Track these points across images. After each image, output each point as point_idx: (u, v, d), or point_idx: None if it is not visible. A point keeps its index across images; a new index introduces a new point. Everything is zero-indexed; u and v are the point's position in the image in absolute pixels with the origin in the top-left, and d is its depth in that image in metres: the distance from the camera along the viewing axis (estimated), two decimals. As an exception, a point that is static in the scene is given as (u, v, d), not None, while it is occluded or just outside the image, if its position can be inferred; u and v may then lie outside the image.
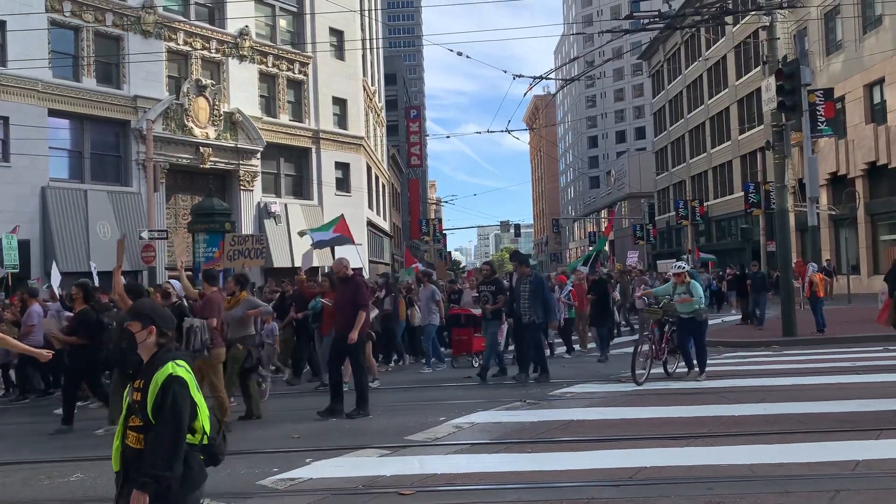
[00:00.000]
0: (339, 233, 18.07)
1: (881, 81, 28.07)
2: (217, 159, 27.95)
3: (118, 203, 24.67)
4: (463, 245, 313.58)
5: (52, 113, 23.42)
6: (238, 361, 9.00)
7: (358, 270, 10.02)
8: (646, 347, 10.57)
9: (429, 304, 14.15)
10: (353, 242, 18.73)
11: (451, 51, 19.99)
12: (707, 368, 10.68)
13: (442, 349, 15.00)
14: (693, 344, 10.74)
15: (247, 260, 14.66)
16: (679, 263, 11.79)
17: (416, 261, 20.60)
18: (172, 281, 9.87)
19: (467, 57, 21.09)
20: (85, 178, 24.42)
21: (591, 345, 15.60)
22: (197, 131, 27.15)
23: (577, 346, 15.64)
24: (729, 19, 33.99)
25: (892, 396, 7.88)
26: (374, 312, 11.96)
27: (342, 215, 17.96)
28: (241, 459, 6.90)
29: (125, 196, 25.04)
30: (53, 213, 22.82)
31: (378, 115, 46.13)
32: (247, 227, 28.38)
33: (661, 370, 10.91)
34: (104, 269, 22.68)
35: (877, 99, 28.81)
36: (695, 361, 10.78)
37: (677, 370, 11.06)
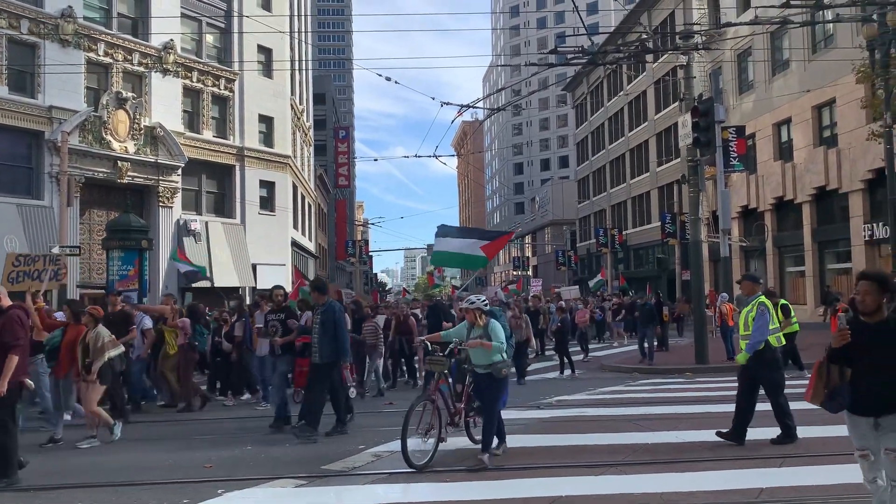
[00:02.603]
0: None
1: (788, 121, 29.68)
2: (136, 174, 27.10)
3: (28, 216, 23.57)
4: (390, 267, 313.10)
5: (-42, 120, 22.32)
6: None
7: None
8: (427, 414, 7.28)
9: None
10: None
11: (381, 75, 20.15)
12: (624, 395, 10.65)
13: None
14: (483, 408, 7.49)
15: (35, 282, 13.23)
16: (471, 297, 7.88)
17: (304, 282, 20.06)
18: None
19: (396, 82, 21.32)
20: (-8, 190, 23.29)
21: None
22: (115, 145, 26.28)
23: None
24: (649, 57, 35.28)
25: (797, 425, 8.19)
26: (118, 350, 9.46)
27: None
28: (148, 490, 6.65)
29: (36, 210, 23.94)
30: (-45, 225, 21.64)
31: (306, 135, 45.73)
32: (165, 244, 27.56)
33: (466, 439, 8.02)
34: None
35: (784, 137, 30.44)
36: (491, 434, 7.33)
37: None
